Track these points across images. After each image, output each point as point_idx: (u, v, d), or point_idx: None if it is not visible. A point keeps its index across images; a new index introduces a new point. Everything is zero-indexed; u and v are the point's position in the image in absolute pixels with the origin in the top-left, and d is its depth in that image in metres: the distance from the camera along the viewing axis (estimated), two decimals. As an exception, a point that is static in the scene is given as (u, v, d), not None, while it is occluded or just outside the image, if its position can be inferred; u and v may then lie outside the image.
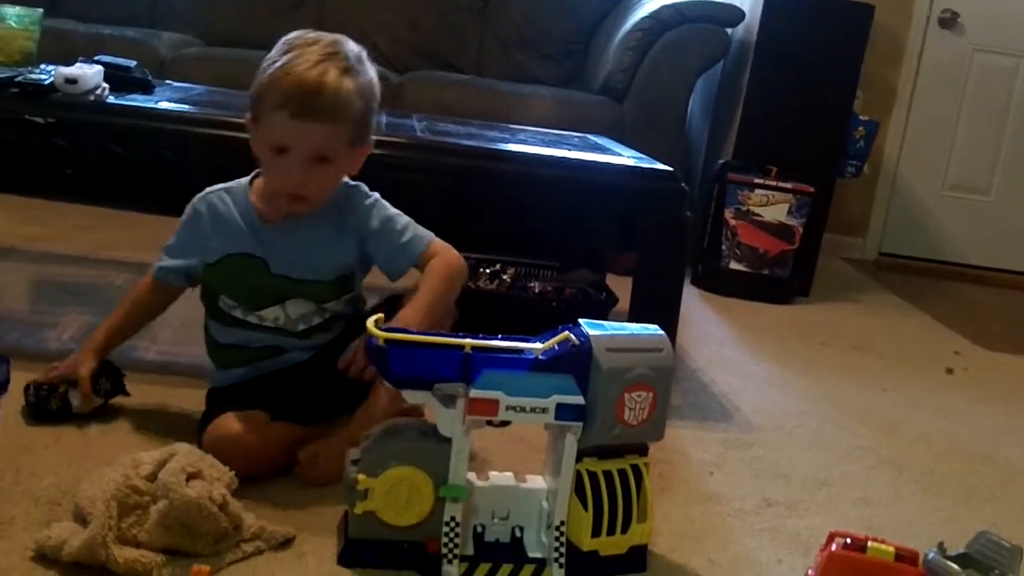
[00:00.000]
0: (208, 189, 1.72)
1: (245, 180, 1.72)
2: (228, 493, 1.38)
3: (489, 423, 1.41)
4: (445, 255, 1.70)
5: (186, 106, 2.15)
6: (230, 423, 1.58)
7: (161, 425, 1.71)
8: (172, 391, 1.86)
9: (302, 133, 1.55)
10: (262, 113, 1.58)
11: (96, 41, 3.29)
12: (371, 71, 1.63)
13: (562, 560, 1.42)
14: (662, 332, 1.48)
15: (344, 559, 1.39)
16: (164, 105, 2.07)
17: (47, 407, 1.68)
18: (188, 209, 1.72)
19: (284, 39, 1.61)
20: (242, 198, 1.69)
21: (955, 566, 1.15)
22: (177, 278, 1.74)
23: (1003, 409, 2.60)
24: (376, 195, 1.73)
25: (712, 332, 3.06)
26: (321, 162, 1.58)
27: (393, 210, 1.73)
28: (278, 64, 1.55)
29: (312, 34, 1.59)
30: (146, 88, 2.21)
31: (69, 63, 2.04)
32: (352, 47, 1.61)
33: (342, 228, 1.70)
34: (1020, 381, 2.92)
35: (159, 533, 1.31)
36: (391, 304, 1.68)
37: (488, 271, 2.67)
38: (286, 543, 1.41)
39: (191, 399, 1.76)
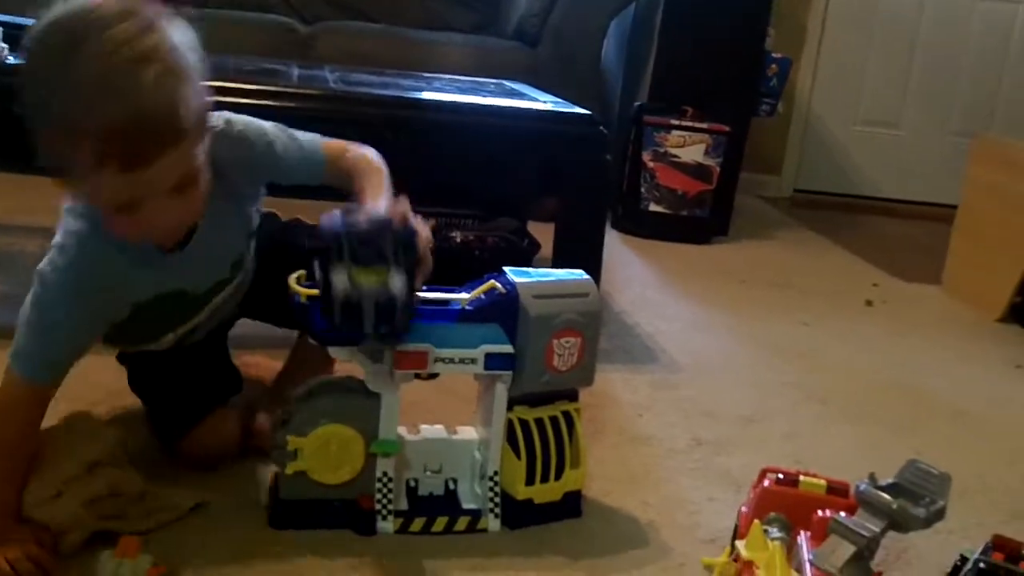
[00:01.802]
0: (52, 258, 1.28)
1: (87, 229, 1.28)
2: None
3: (417, 376, 1.39)
4: (353, 149, 1.47)
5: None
6: (218, 433, 1.51)
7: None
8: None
9: (145, 182, 1.15)
10: (72, 172, 1.17)
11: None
12: (173, 25, 1.18)
13: (497, 510, 1.42)
14: (588, 277, 1.47)
15: (276, 521, 1.37)
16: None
17: None
18: (75, 251, 1.27)
19: (31, 34, 1.14)
20: (108, 242, 1.27)
21: (886, 495, 1.16)
22: (67, 371, 1.32)
23: (922, 338, 2.65)
24: (243, 125, 1.39)
25: (634, 275, 3.07)
26: (179, 189, 1.20)
27: (267, 132, 1.41)
28: (60, 96, 1.11)
29: (65, 14, 1.13)
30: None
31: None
32: (129, 9, 1.15)
33: (238, 201, 1.44)
34: (937, 310, 2.98)
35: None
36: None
37: (408, 222, 2.63)
38: (196, 508, 1.37)
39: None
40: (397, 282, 1.21)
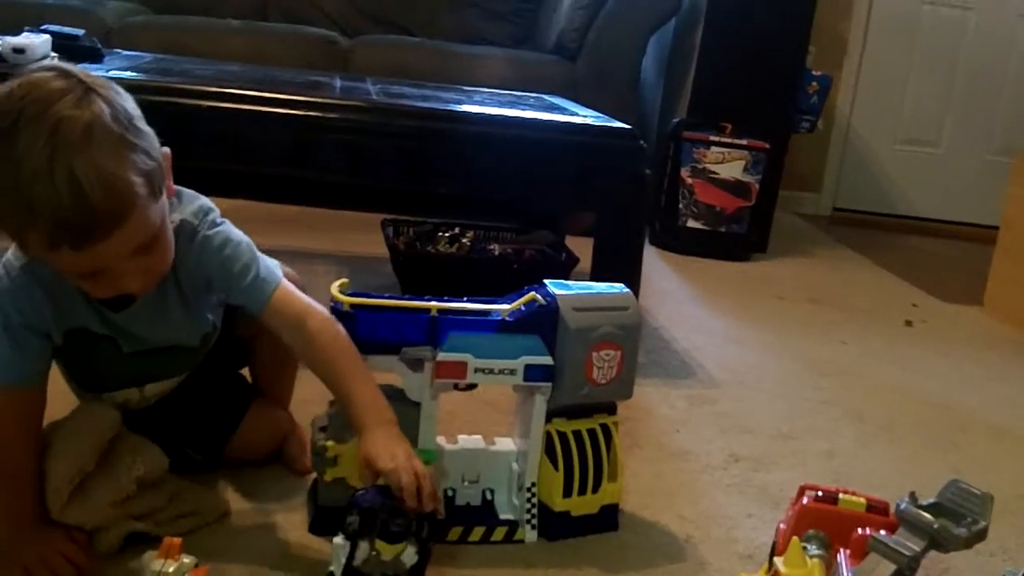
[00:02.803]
0: (9, 256, 1.25)
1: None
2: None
3: (456, 387, 1.40)
4: (320, 319, 1.32)
5: (139, 73, 2.10)
6: (262, 427, 1.55)
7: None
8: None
9: (101, 253, 1.12)
10: (29, 250, 1.16)
11: (40, 11, 3.19)
12: (109, 93, 1.14)
13: (534, 521, 1.42)
14: (628, 290, 1.47)
15: (315, 527, 1.38)
16: (117, 73, 2.02)
17: None
18: (5, 281, 1.24)
19: None
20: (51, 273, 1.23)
21: (928, 514, 1.15)
22: (41, 373, 1.30)
23: (962, 358, 2.63)
24: (214, 227, 1.32)
25: (672, 290, 3.06)
26: (142, 251, 1.17)
27: (228, 247, 1.32)
28: (3, 187, 1.08)
29: (1, 105, 1.08)
30: (95, 56, 2.16)
31: (15, 33, 1.98)
32: (64, 82, 1.11)
33: (200, 289, 1.35)
34: (978, 330, 2.95)
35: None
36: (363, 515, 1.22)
37: (447, 235, 2.65)
38: (223, 517, 1.39)
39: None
40: (410, 557, 1.20)
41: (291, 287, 1.35)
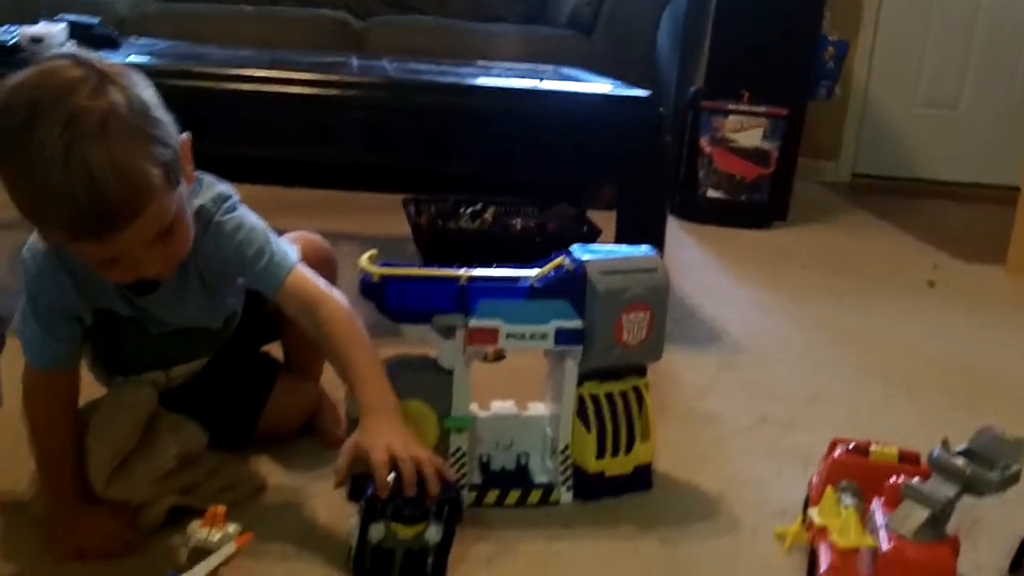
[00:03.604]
0: (33, 240, 1.26)
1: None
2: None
3: (484, 358, 1.41)
4: (332, 304, 1.33)
5: (156, 59, 2.13)
6: (292, 401, 1.58)
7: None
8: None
9: (119, 243, 1.13)
10: (50, 238, 1.20)
11: (56, 1, 3.23)
12: (126, 82, 1.13)
13: (570, 482, 1.44)
14: (655, 252, 1.48)
15: (353, 495, 1.40)
16: (135, 58, 2.04)
17: None
18: (31, 264, 1.26)
19: None
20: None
21: (961, 461, 1.16)
22: (73, 355, 1.32)
23: (987, 318, 2.63)
24: (229, 213, 1.33)
25: (694, 260, 3.07)
26: (160, 238, 1.18)
27: (241, 231, 1.32)
28: (21, 188, 1.09)
29: (18, 87, 1.09)
30: (112, 44, 2.19)
31: (32, 23, 2.01)
32: (80, 71, 1.11)
33: (218, 274, 1.36)
34: (1001, 290, 2.95)
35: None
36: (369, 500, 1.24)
37: (469, 211, 2.66)
38: (260, 491, 1.42)
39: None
40: (433, 535, 1.21)
41: (307, 271, 1.35)
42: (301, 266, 1.35)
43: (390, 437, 1.22)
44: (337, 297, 1.34)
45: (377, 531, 1.20)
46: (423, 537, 1.20)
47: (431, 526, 1.20)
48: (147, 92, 1.15)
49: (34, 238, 1.25)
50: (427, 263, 2.45)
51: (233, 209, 1.33)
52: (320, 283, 1.35)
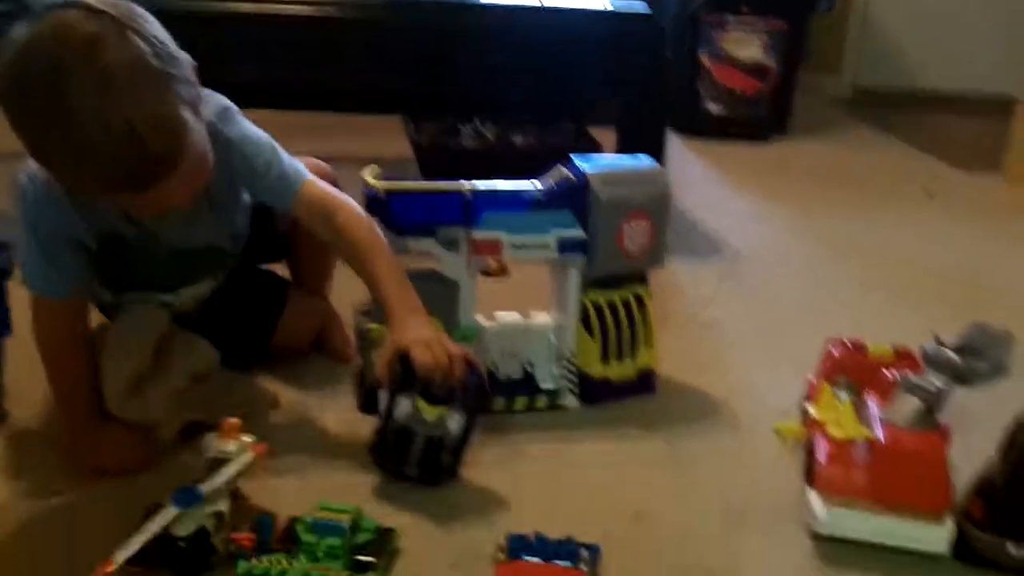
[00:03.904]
0: (32, 168, 1.24)
1: None
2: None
3: (486, 274, 1.44)
4: (350, 211, 1.35)
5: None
6: (304, 314, 1.61)
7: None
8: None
9: (161, 191, 1.13)
10: (82, 193, 1.21)
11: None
12: (141, 26, 1.11)
13: (575, 388, 1.48)
14: (655, 162, 1.51)
15: (365, 406, 1.44)
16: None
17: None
18: (31, 193, 1.25)
19: (6, 70, 1.08)
20: None
21: (952, 354, 1.20)
22: (80, 281, 1.33)
23: (986, 226, 2.65)
24: (234, 126, 1.32)
25: (695, 174, 3.09)
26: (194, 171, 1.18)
27: (248, 143, 1.33)
28: (58, 149, 1.09)
29: (35, 48, 1.07)
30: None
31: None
32: (96, 23, 1.07)
33: (227, 193, 1.37)
34: (999, 199, 2.97)
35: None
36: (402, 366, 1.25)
37: (469, 129, 2.67)
38: (273, 405, 1.46)
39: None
40: (455, 423, 1.24)
41: (317, 180, 1.37)
42: (311, 176, 1.37)
43: (423, 333, 1.26)
44: (353, 204, 1.36)
45: (404, 406, 1.24)
46: (444, 423, 1.24)
47: (454, 413, 1.24)
48: (158, 29, 1.14)
49: (33, 166, 1.23)
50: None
51: (235, 121, 1.33)
52: (333, 191, 1.37)
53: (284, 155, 1.36)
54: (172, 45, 1.14)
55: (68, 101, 1.05)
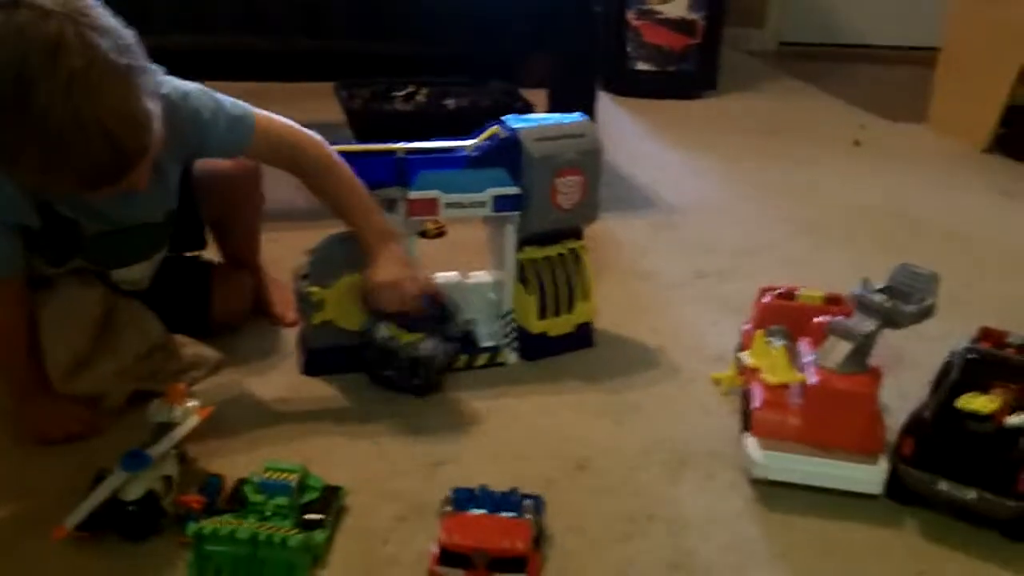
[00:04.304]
0: None
1: None
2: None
3: (423, 235, 1.46)
4: (310, 144, 1.38)
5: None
6: (234, 291, 1.60)
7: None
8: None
9: (131, 177, 1.13)
10: (51, 192, 1.23)
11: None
12: (95, 19, 1.08)
13: (515, 344, 1.50)
14: (586, 117, 1.52)
15: (309, 368, 1.45)
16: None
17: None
18: None
19: None
20: None
21: (880, 297, 1.23)
22: (20, 262, 1.30)
23: (911, 171, 2.71)
24: (168, 86, 1.26)
25: (627, 131, 3.11)
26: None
27: (191, 96, 1.30)
28: (25, 147, 1.06)
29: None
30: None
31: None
32: (53, 23, 1.04)
33: (171, 156, 1.31)
34: (924, 145, 3.03)
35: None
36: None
37: (402, 93, 2.66)
38: (219, 367, 1.46)
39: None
40: (428, 345, 1.38)
41: (268, 115, 1.36)
42: (260, 113, 1.35)
43: (386, 272, 1.36)
44: (310, 133, 1.37)
45: (385, 328, 1.38)
46: (417, 347, 1.36)
47: (426, 340, 1.37)
48: (109, 18, 1.10)
49: None
50: (363, 146, 2.48)
51: (168, 82, 1.28)
52: (286, 121, 1.37)
53: (222, 97, 1.33)
54: (125, 32, 1.11)
55: (37, 109, 1.02)
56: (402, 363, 1.38)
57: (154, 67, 1.24)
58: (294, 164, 1.37)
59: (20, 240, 1.29)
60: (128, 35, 1.11)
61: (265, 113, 1.36)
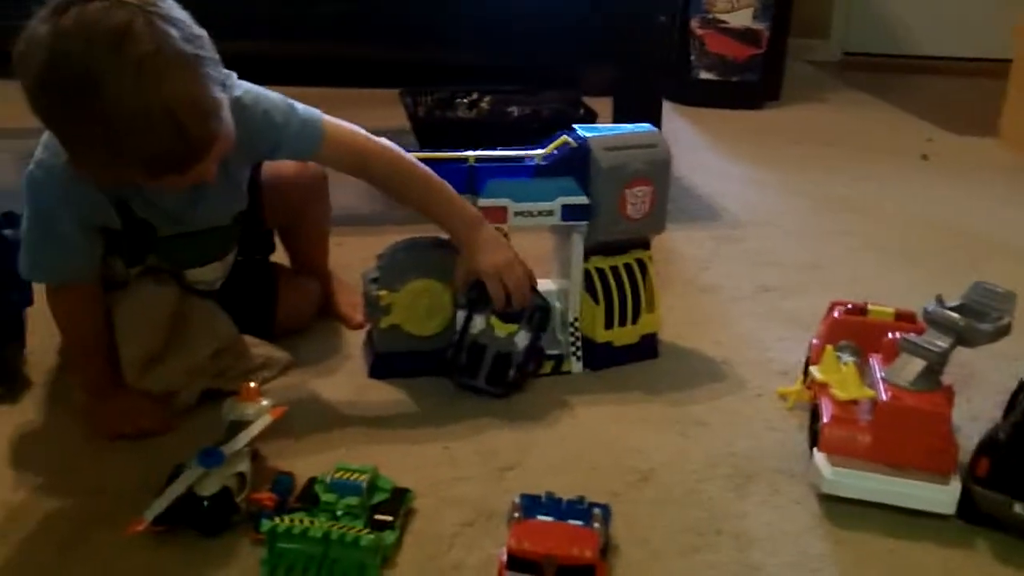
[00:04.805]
0: (42, 157, 1.24)
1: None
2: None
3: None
4: (380, 147, 1.39)
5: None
6: (300, 295, 1.62)
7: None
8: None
9: (199, 167, 1.16)
10: (122, 180, 1.22)
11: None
12: (163, 8, 1.10)
13: (579, 353, 1.50)
14: (655, 128, 1.52)
15: (375, 372, 1.46)
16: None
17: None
18: (49, 183, 1.24)
19: (33, 63, 1.07)
20: None
21: (954, 314, 1.22)
22: (95, 267, 1.33)
23: (981, 187, 2.67)
24: (240, 88, 1.30)
25: (689, 141, 3.10)
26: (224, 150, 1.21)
27: (263, 98, 1.33)
28: (94, 134, 1.08)
29: (65, 49, 1.06)
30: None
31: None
32: (123, 12, 1.07)
33: (241, 158, 1.34)
34: (994, 160, 2.98)
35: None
36: (479, 289, 1.41)
37: (465, 101, 2.67)
38: (288, 369, 1.48)
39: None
40: (521, 340, 1.40)
41: (336, 120, 1.38)
42: (329, 119, 1.37)
43: (492, 257, 1.39)
44: (376, 138, 1.39)
45: (479, 323, 1.39)
46: (513, 340, 1.40)
47: (522, 332, 1.40)
48: (180, 10, 1.13)
49: (42, 155, 1.24)
50: (427, 152, 2.49)
51: (241, 85, 1.32)
52: (353, 127, 1.39)
53: (294, 101, 1.36)
54: (193, 24, 1.14)
55: (106, 96, 1.05)
56: (497, 358, 1.39)
57: (226, 71, 1.27)
58: (364, 168, 1.39)
59: (101, 242, 1.32)
60: (198, 29, 1.14)
61: (334, 119, 1.37)
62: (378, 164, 1.38)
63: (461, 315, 1.40)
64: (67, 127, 1.11)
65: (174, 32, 1.09)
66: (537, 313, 1.41)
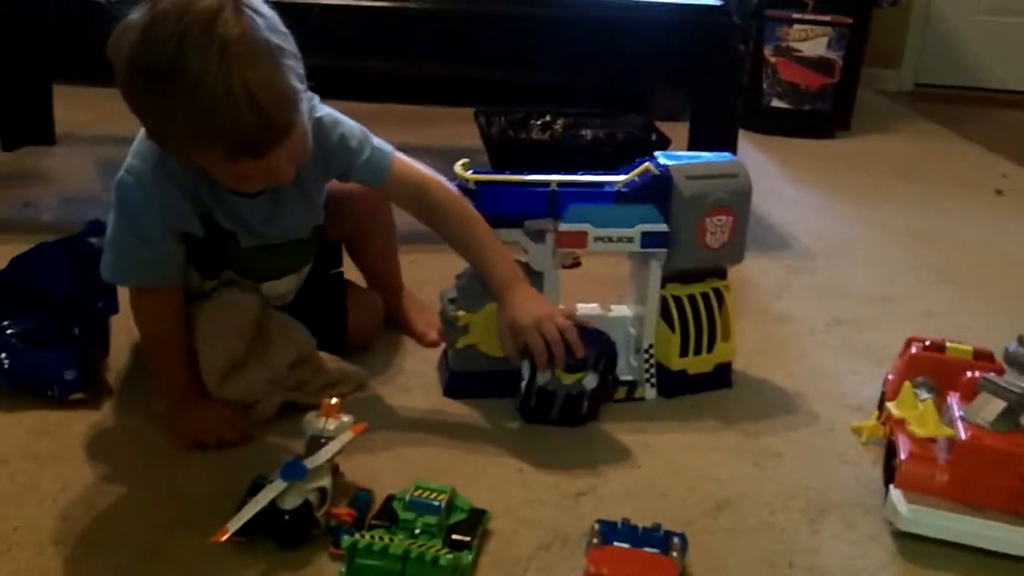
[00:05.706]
0: (133, 163, 1.29)
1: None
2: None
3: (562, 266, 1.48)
4: (440, 187, 1.43)
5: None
6: (366, 311, 1.64)
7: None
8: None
9: (274, 158, 1.20)
10: (204, 163, 1.24)
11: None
12: (256, 4, 1.17)
13: (653, 380, 1.50)
14: (736, 158, 1.53)
15: (450, 391, 1.48)
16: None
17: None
18: (137, 188, 1.28)
19: (126, 47, 1.13)
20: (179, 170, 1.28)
21: (1037, 356, 1.21)
22: (178, 273, 1.37)
23: (1055, 225, 2.64)
24: (323, 110, 1.38)
25: (761, 168, 3.09)
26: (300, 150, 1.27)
27: (342, 123, 1.40)
28: (180, 119, 1.14)
29: (158, 31, 1.11)
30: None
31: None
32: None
33: (317, 174, 1.40)
34: (1068, 197, 2.95)
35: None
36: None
37: (539, 122, 2.70)
38: (363, 386, 1.50)
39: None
40: (590, 382, 1.38)
41: (405, 157, 1.43)
42: (398, 153, 1.42)
43: (534, 312, 1.37)
44: (441, 178, 1.42)
45: (544, 376, 1.37)
46: (581, 383, 1.38)
47: (589, 374, 1.37)
48: (267, 7, 1.19)
49: (133, 160, 1.29)
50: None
51: (323, 106, 1.38)
52: (419, 165, 1.43)
53: (370, 133, 1.42)
54: (279, 22, 1.20)
55: (191, 76, 1.10)
56: (567, 399, 1.39)
57: (310, 93, 1.32)
58: (422, 205, 1.42)
59: (180, 254, 1.35)
60: (284, 27, 1.20)
61: (402, 156, 1.43)
62: (435, 202, 1.42)
63: (526, 366, 1.38)
64: (154, 104, 1.16)
65: (260, 21, 1.15)
66: (603, 360, 1.38)
